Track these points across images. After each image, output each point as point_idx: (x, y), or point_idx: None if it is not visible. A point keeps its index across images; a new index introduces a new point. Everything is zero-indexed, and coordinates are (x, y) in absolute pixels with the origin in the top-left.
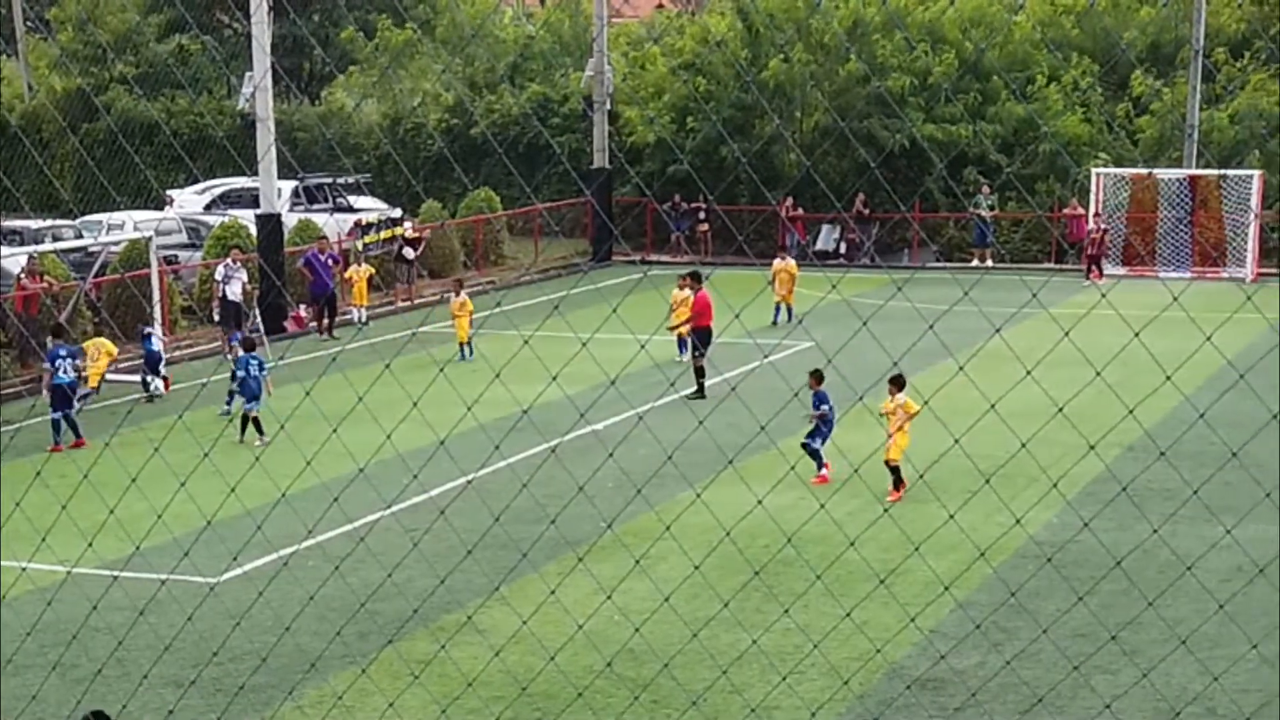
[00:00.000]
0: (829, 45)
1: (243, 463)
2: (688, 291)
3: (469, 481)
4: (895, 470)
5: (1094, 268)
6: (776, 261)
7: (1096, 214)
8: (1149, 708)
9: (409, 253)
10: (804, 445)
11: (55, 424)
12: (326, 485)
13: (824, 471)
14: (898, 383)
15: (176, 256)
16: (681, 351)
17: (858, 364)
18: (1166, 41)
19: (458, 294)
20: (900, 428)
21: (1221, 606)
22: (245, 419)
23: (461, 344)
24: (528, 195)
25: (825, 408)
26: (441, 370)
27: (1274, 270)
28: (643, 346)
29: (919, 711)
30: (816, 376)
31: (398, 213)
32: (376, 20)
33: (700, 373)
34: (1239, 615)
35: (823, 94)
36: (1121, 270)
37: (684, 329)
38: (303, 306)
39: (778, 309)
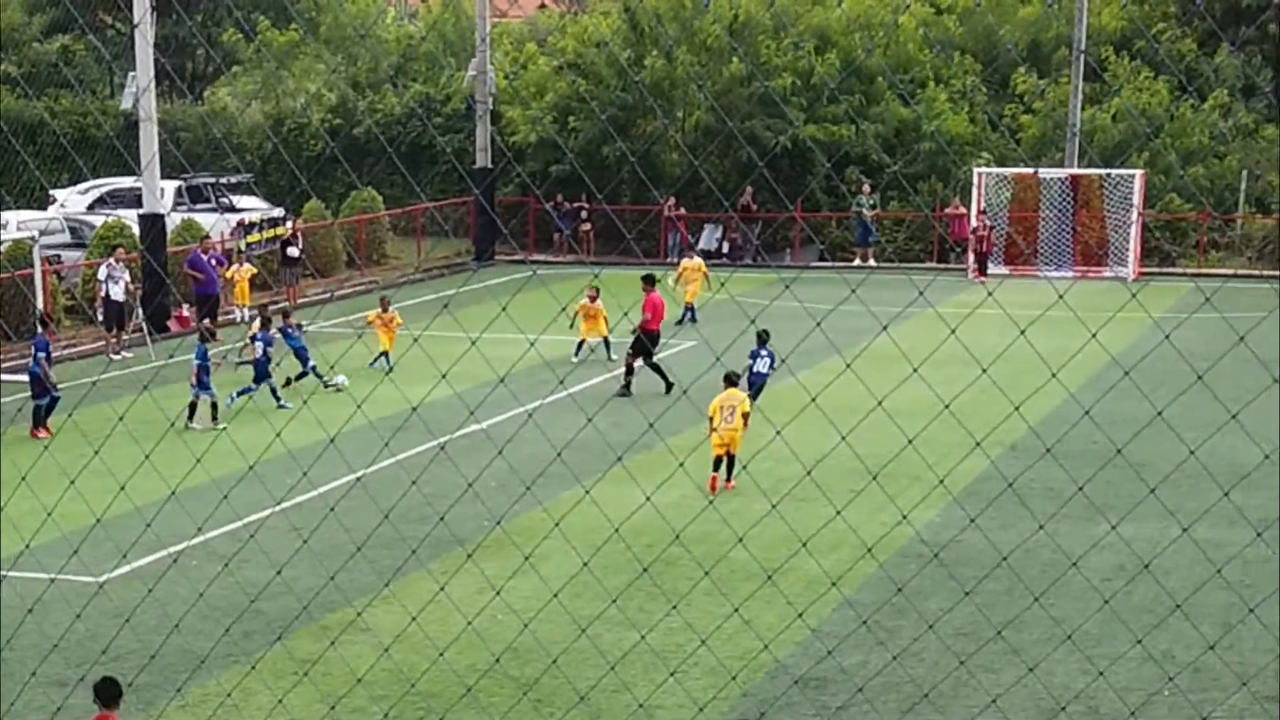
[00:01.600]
0: (712, 46)
1: (132, 461)
2: (586, 300)
3: (358, 479)
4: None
5: (979, 266)
6: (685, 260)
7: (981, 212)
8: (1032, 706)
9: (293, 252)
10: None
11: (36, 410)
12: (216, 483)
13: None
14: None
15: (60, 256)
16: (578, 353)
17: (743, 362)
18: (1047, 40)
19: (385, 309)
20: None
21: (1107, 602)
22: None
23: (384, 352)
24: (411, 195)
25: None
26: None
27: (1156, 269)
28: (531, 345)
29: (803, 710)
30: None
31: (280, 212)
32: (258, 21)
33: (630, 370)
34: (1122, 613)
35: (705, 94)
36: (1004, 270)
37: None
38: (185, 306)
39: (688, 309)
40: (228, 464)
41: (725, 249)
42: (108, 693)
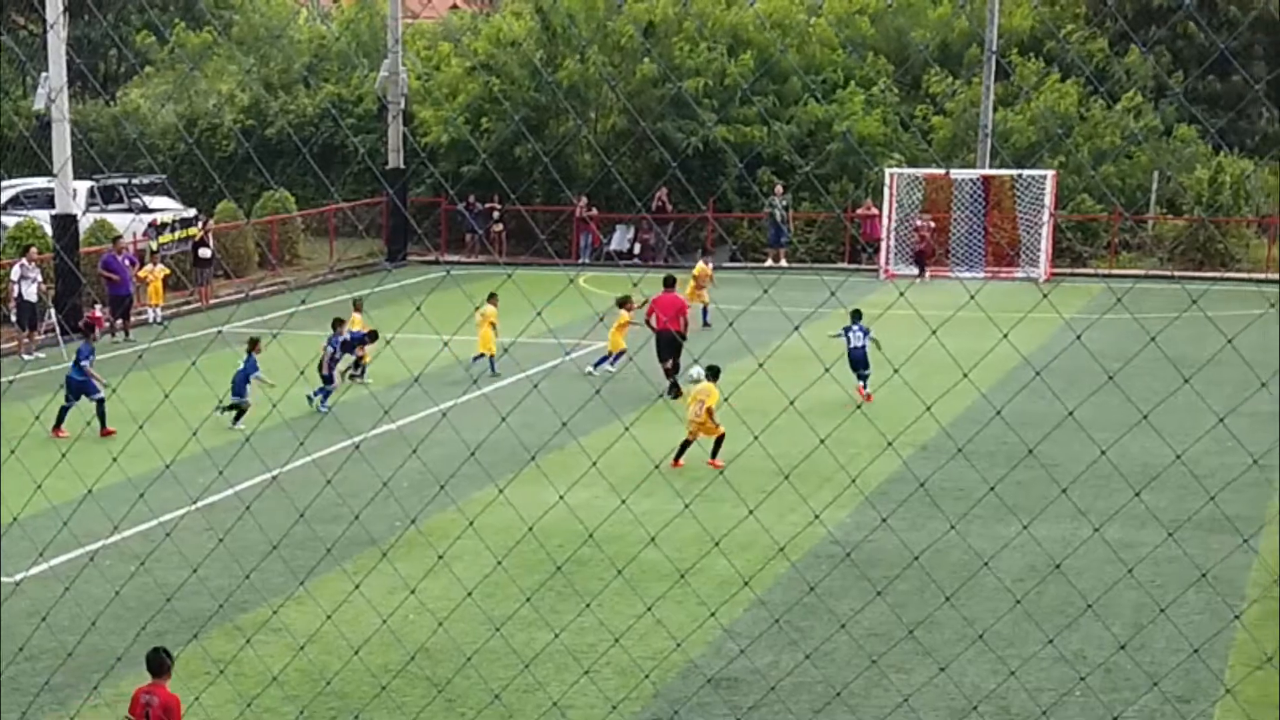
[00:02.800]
0: (626, 47)
1: (47, 461)
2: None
3: (273, 478)
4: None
5: (923, 267)
6: (700, 265)
7: (923, 213)
8: (944, 706)
9: (205, 253)
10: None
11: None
12: (132, 482)
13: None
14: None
15: None
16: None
17: (654, 362)
18: (957, 42)
19: (359, 310)
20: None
21: (1018, 602)
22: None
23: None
24: (324, 195)
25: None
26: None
27: (1068, 270)
28: (445, 344)
29: (715, 709)
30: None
31: (193, 213)
32: (170, 22)
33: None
34: (1033, 613)
35: (618, 95)
36: (915, 270)
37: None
38: (98, 306)
39: (705, 310)
40: (143, 463)
41: (638, 250)
42: (157, 662)
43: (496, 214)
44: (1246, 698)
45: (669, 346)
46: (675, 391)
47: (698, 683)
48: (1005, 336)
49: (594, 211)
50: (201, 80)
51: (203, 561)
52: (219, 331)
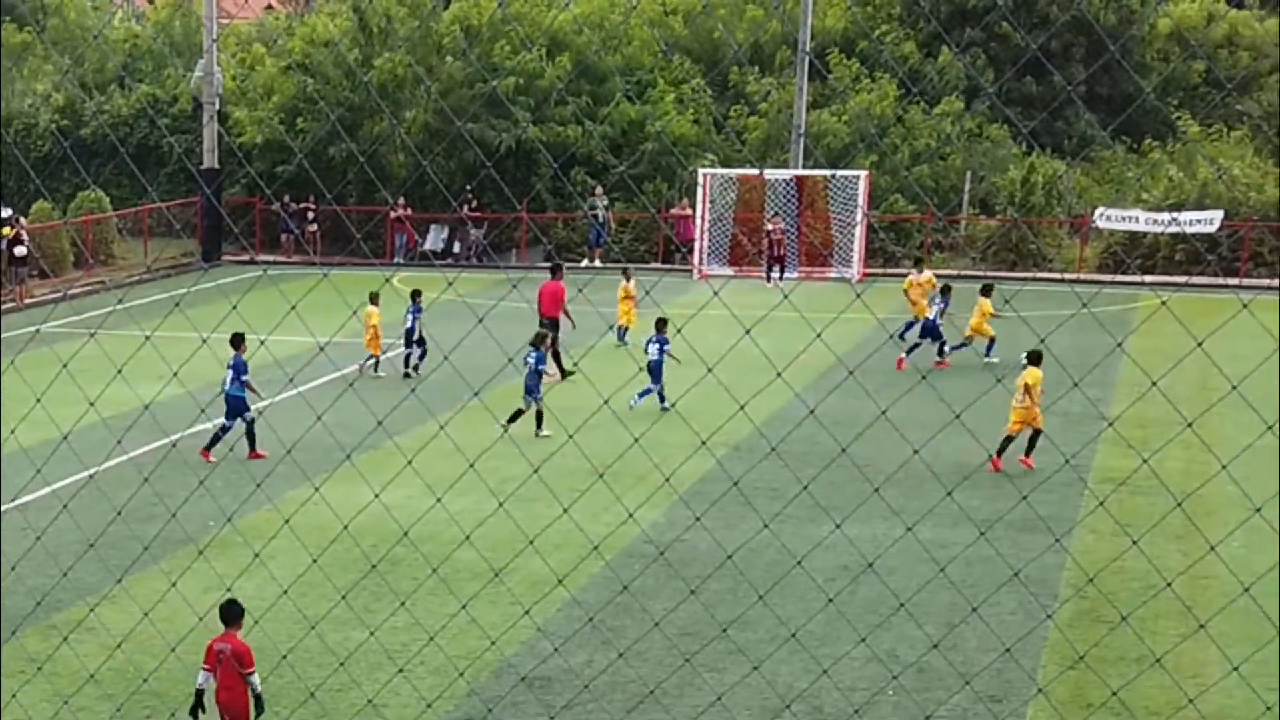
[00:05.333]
0: (443, 47)
1: None
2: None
3: (90, 477)
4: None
5: (774, 269)
6: (913, 274)
7: (776, 215)
8: (757, 705)
9: (20, 251)
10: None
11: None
12: None
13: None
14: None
15: None
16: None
17: (469, 362)
18: (770, 42)
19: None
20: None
21: (830, 601)
22: None
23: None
24: (139, 195)
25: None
26: (64, 367)
27: (881, 270)
28: (262, 343)
29: (529, 708)
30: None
31: (8, 212)
32: None
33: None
34: (846, 612)
35: (432, 95)
36: (729, 270)
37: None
38: None
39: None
40: None
41: (456, 248)
42: (231, 613)
43: (311, 214)
44: (1059, 697)
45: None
46: (563, 375)
47: (512, 681)
48: (819, 336)
49: (409, 211)
50: (18, 80)
51: (19, 560)
52: (36, 330)
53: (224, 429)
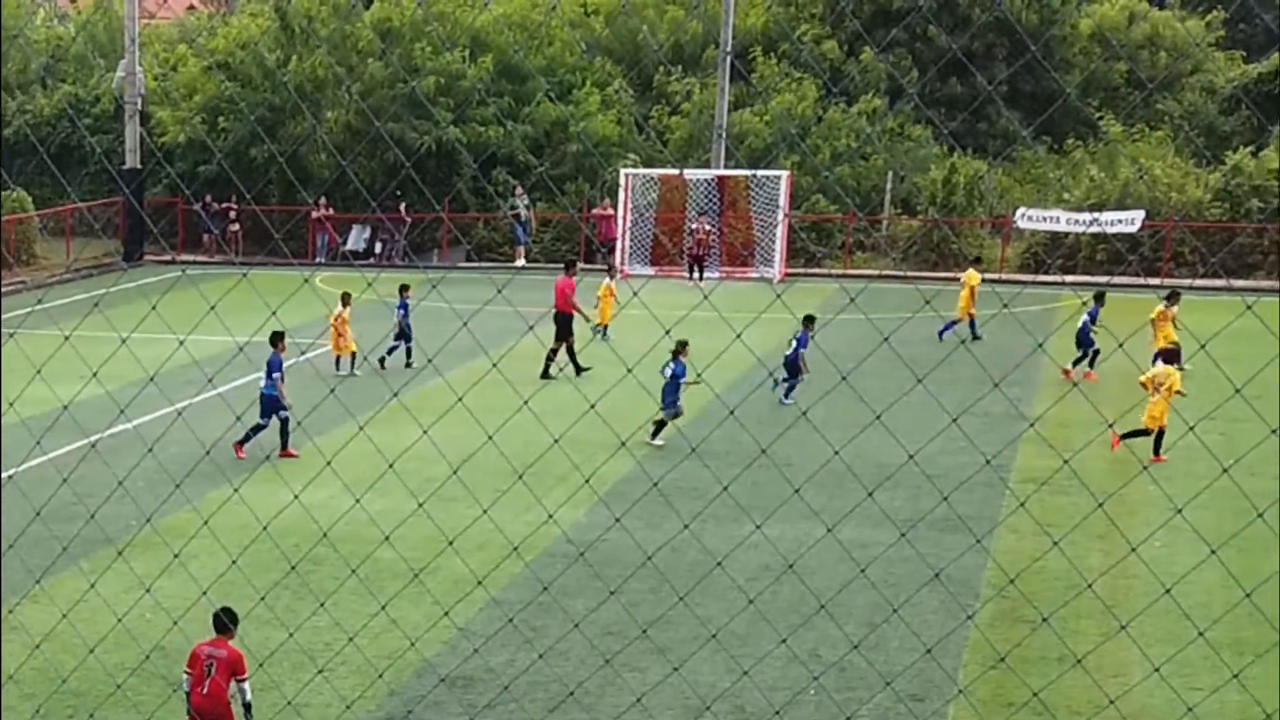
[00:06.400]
0: (364, 48)
1: None
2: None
3: (9, 477)
4: (1159, 434)
5: (696, 268)
6: (971, 271)
7: (701, 214)
8: (679, 704)
9: None
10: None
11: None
12: None
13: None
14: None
15: None
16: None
17: (390, 362)
18: (691, 42)
19: (346, 305)
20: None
21: (751, 602)
22: None
23: (341, 356)
24: (60, 195)
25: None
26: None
27: (802, 270)
28: (180, 344)
29: (450, 708)
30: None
31: None
32: None
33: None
34: (767, 613)
35: (353, 95)
36: (650, 270)
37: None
38: None
39: (955, 324)
40: None
41: (379, 248)
42: (222, 621)
43: (233, 214)
44: (980, 697)
45: (562, 326)
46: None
47: (433, 681)
48: (739, 337)
49: (330, 211)
50: None
51: None
52: None
53: (258, 427)
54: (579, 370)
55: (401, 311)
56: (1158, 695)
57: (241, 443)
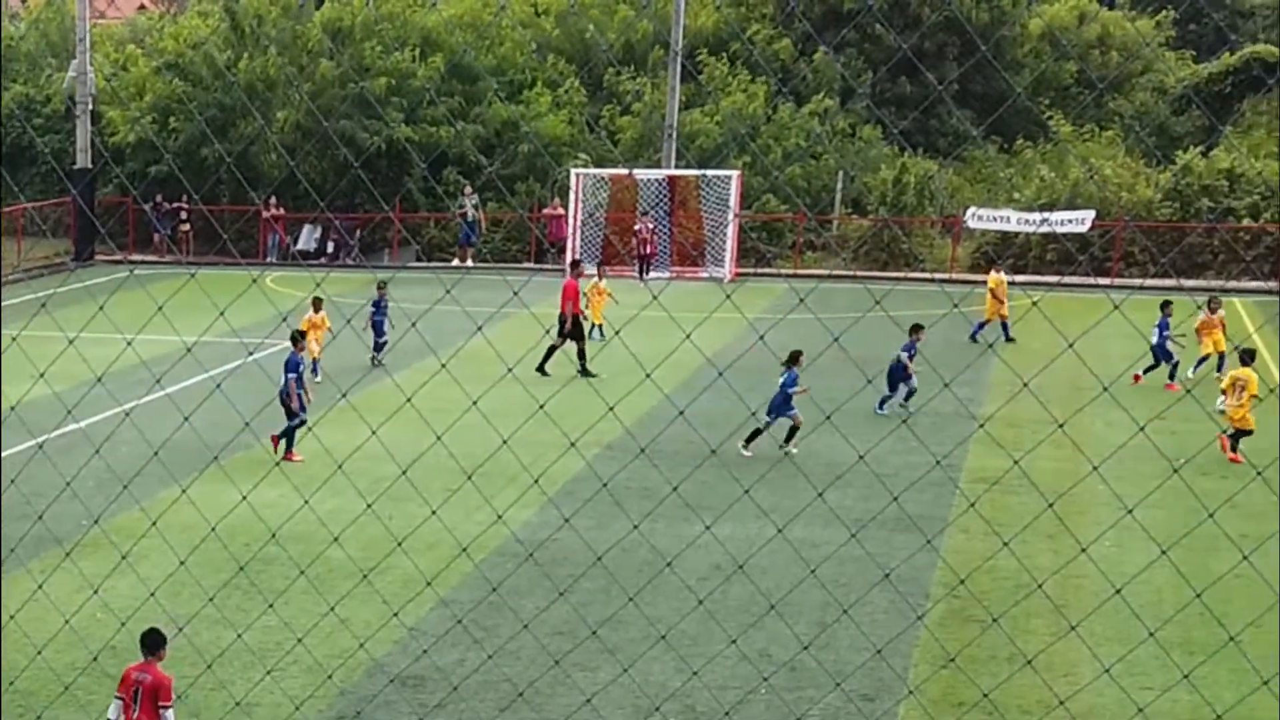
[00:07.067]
0: (314, 49)
1: None
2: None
3: None
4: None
5: (644, 268)
6: (994, 274)
7: (645, 214)
8: (629, 704)
9: None
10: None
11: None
12: None
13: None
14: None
15: None
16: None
17: (339, 363)
18: (642, 42)
19: (318, 310)
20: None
21: (701, 602)
22: None
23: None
24: (10, 195)
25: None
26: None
27: (752, 270)
28: (128, 344)
29: (400, 708)
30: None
31: None
32: None
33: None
34: (717, 612)
35: (302, 95)
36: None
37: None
38: None
39: (984, 325)
40: None
41: (330, 248)
42: (151, 642)
43: (184, 214)
44: (931, 696)
45: (573, 328)
46: (585, 372)
47: (383, 681)
48: (688, 337)
49: (281, 211)
50: None
51: None
52: None
53: (299, 424)
54: (541, 369)
55: (373, 309)
56: (1108, 695)
57: (289, 449)
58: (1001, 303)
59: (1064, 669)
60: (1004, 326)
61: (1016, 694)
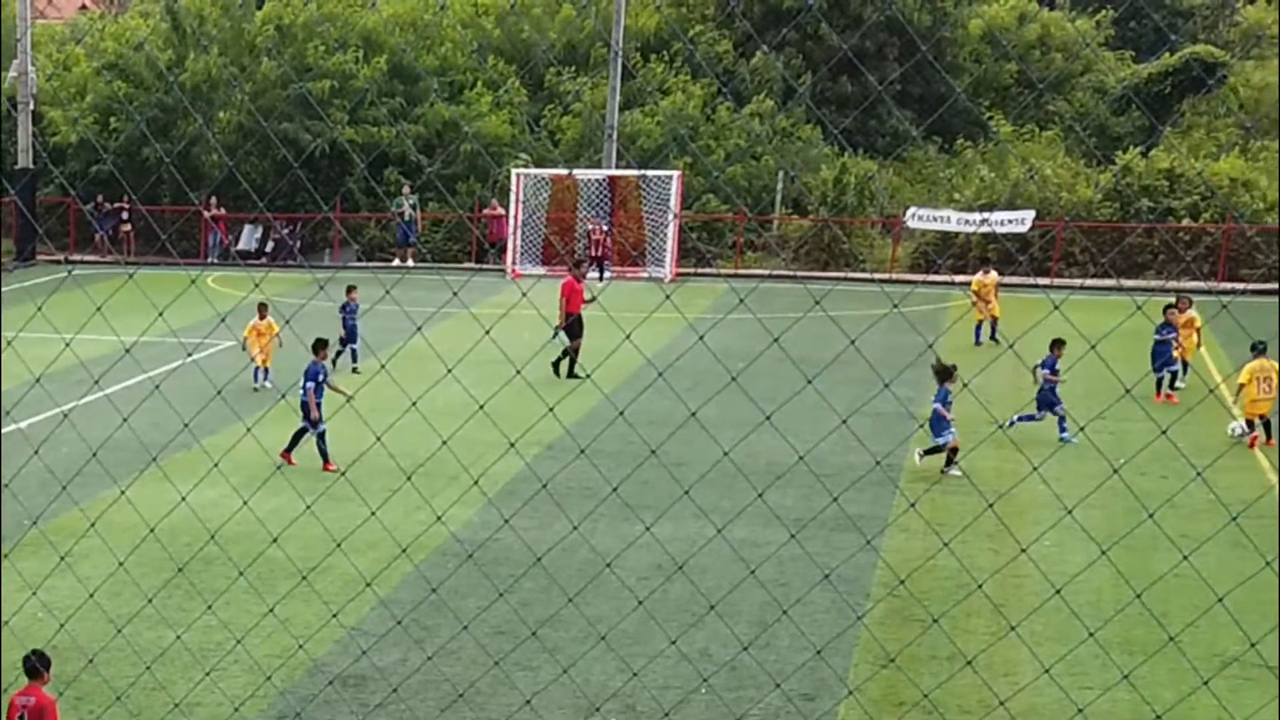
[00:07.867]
0: (256, 48)
1: None
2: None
3: None
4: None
5: (597, 269)
6: (980, 275)
7: (597, 217)
8: (570, 704)
9: None
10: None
11: (318, 439)
12: None
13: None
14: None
15: None
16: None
17: (278, 363)
18: (584, 42)
19: (263, 316)
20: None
21: (641, 603)
22: None
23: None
24: None
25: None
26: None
27: (693, 270)
28: (67, 344)
29: (341, 708)
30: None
31: None
32: None
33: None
34: (658, 612)
35: (243, 95)
36: (541, 270)
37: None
38: None
39: (980, 328)
40: None
41: (270, 248)
42: (33, 665)
43: (125, 214)
44: (871, 696)
45: (575, 326)
46: (567, 372)
47: (323, 681)
48: (628, 337)
49: (222, 211)
50: None
51: None
52: None
53: (320, 434)
54: (570, 373)
55: (344, 313)
56: (1048, 694)
57: (325, 460)
58: (988, 303)
59: (1004, 668)
60: (992, 325)
61: (957, 694)
